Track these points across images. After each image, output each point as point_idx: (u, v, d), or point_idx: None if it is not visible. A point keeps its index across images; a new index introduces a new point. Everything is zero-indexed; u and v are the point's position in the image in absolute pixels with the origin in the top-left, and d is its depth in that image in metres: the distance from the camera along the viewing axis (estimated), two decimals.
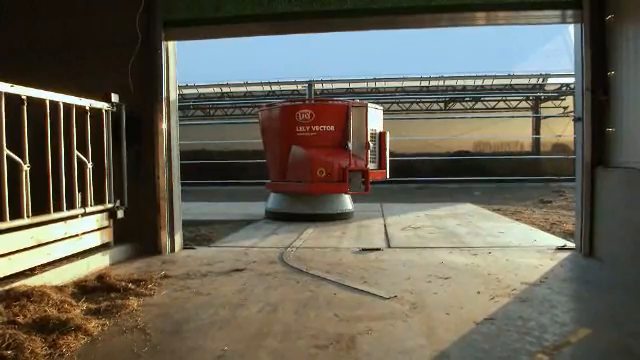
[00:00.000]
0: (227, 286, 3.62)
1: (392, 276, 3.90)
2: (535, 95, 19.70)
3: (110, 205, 4.51)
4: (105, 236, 4.44)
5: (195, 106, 20.18)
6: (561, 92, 18.90)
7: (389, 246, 5.30)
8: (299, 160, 7.40)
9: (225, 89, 19.83)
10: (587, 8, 4.42)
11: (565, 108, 18.71)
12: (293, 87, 19.05)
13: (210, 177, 17.74)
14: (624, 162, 4.09)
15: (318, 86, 18.41)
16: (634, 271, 3.69)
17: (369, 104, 7.81)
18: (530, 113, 20.02)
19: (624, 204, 3.95)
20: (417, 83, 19.01)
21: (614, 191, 4.14)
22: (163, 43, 4.84)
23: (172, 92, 4.97)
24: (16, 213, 3.32)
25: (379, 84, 19.18)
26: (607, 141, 4.39)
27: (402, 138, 16.56)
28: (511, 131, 19.36)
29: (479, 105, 20.00)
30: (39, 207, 3.59)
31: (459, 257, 4.57)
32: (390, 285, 3.58)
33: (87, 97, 4.19)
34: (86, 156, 4.20)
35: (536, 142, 19.71)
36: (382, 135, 8.05)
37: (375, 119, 7.94)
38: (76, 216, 4.04)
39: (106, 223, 4.46)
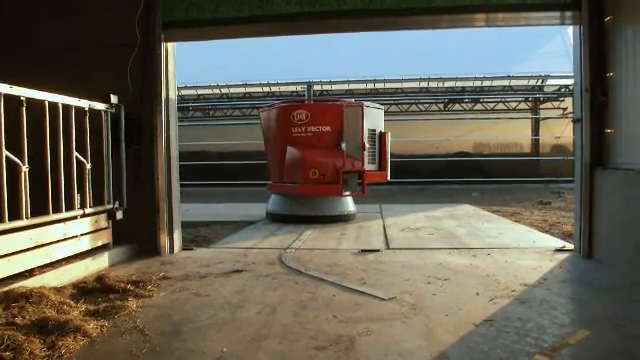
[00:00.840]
0: (226, 287, 3.62)
1: (391, 277, 3.90)
2: (534, 96, 19.73)
3: (109, 206, 4.50)
4: (104, 237, 4.44)
5: (194, 107, 20.19)
6: (560, 93, 18.93)
7: (388, 247, 5.30)
8: (293, 161, 7.33)
9: (224, 90, 19.83)
10: (586, 10, 4.43)
11: (564, 109, 18.75)
12: (292, 88, 19.07)
13: (209, 178, 17.73)
14: (623, 163, 4.09)
15: (317, 87, 18.43)
16: (633, 272, 3.69)
17: (367, 103, 7.69)
18: (529, 114, 20.05)
19: (623, 205, 3.96)
20: (416, 84, 19.03)
21: (613, 192, 4.15)
22: (162, 44, 4.83)
23: (171, 93, 4.97)
24: (15, 214, 3.31)
25: (378, 85, 19.20)
26: (606, 142, 4.40)
27: (401, 139, 16.56)
28: (510, 132, 19.39)
29: (478, 106, 20.03)
30: (38, 208, 3.58)
31: (458, 258, 4.57)
32: (389, 286, 3.58)
33: (86, 98, 4.19)
34: (85, 157, 4.19)
35: (535, 143, 19.75)
36: (383, 135, 7.90)
37: (374, 119, 7.80)
38: (75, 217, 4.03)
39: (105, 224, 4.46)
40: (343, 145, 7.15)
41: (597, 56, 4.40)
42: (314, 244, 5.53)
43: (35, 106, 3.60)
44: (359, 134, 7.34)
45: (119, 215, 4.56)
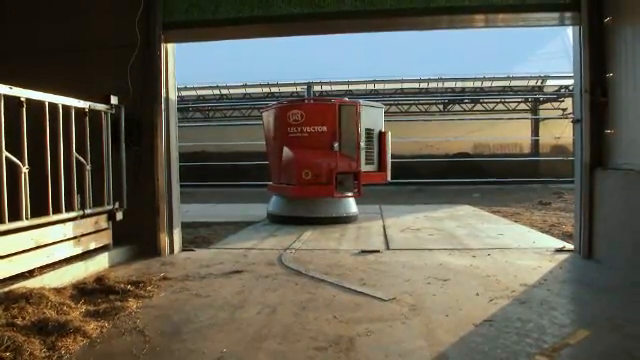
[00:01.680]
0: (226, 288, 3.62)
1: (391, 278, 3.90)
2: (534, 97, 19.72)
3: (109, 207, 4.50)
4: (104, 238, 4.44)
5: (194, 108, 20.18)
6: (560, 94, 18.93)
7: (388, 248, 5.30)
8: (287, 162, 7.26)
9: (224, 91, 19.83)
10: (585, 10, 4.43)
11: (564, 110, 18.74)
12: (292, 89, 19.06)
13: (209, 179, 17.73)
14: (623, 164, 4.09)
15: (317, 88, 18.42)
16: (633, 273, 3.69)
17: (365, 102, 7.55)
18: (529, 115, 20.04)
19: (623, 206, 3.96)
20: (416, 85, 19.02)
21: (613, 193, 4.15)
22: (162, 45, 4.84)
23: (171, 94, 4.98)
24: (15, 215, 3.31)
25: (378, 86, 19.20)
26: (606, 143, 4.40)
27: (401, 140, 16.55)
28: (510, 133, 19.37)
29: (478, 107, 20.01)
30: (38, 209, 3.58)
31: (458, 259, 4.57)
32: (389, 287, 3.58)
33: (86, 99, 4.19)
34: (85, 158, 4.19)
35: (535, 144, 19.73)
36: (382, 135, 7.73)
37: (372, 118, 7.62)
38: (75, 218, 4.03)
39: (105, 225, 4.46)
40: (336, 145, 7.01)
41: (597, 57, 4.40)
42: (314, 245, 5.53)
43: (35, 107, 3.60)
44: (354, 134, 7.19)
45: (119, 216, 4.56)
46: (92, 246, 4.25)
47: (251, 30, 5.02)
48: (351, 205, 7.65)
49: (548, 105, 19.50)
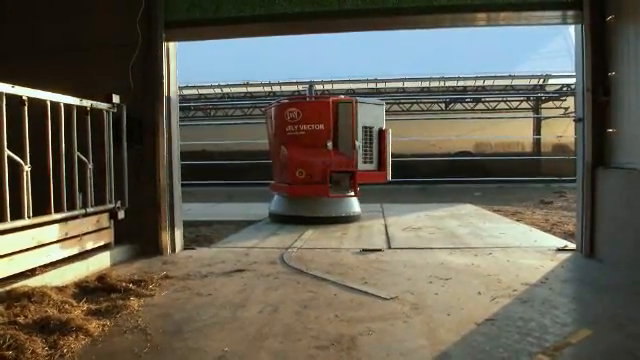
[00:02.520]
0: (228, 287, 3.62)
1: (393, 277, 3.89)
2: (536, 96, 19.68)
3: (111, 206, 4.51)
4: (106, 237, 4.44)
5: (196, 107, 20.19)
6: (562, 93, 18.88)
7: (390, 247, 5.29)
8: (283, 160, 7.21)
9: (226, 90, 19.82)
10: (587, 9, 4.42)
11: (566, 109, 18.70)
12: (294, 88, 19.04)
13: (211, 177, 17.72)
14: (625, 163, 4.08)
15: (319, 87, 18.41)
16: (635, 272, 3.69)
17: (362, 99, 7.42)
18: (531, 114, 20.01)
19: (625, 205, 3.95)
20: (418, 84, 18.99)
21: (615, 192, 4.14)
22: (164, 44, 4.84)
23: (173, 92, 4.98)
24: (17, 214, 3.32)
25: (380, 85, 19.18)
26: (608, 142, 4.39)
27: (403, 139, 16.54)
28: (512, 132, 19.35)
29: (480, 106, 19.97)
30: (40, 208, 3.59)
31: (460, 258, 4.57)
32: (391, 286, 3.58)
33: (88, 98, 4.20)
34: (87, 157, 4.20)
35: (537, 143, 19.70)
36: (382, 133, 7.51)
37: (371, 115, 7.44)
38: (77, 217, 4.04)
39: (107, 224, 4.46)
40: (329, 144, 6.90)
41: (599, 55, 4.39)
42: (315, 244, 5.53)
43: (37, 106, 3.60)
44: (352, 131, 7.04)
45: (121, 215, 4.57)
46: (94, 245, 4.26)
47: (253, 29, 5.01)
48: (354, 204, 7.53)
49: (550, 104, 19.45)
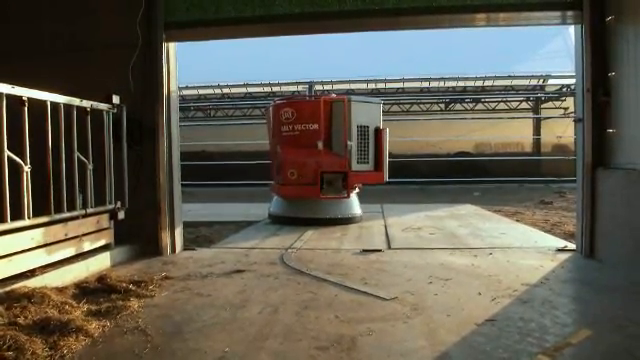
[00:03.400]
0: (228, 287, 3.62)
1: (393, 277, 3.89)
2: (536, 96, 19.72)
3: (111, 206, 4.51)
4: (106, 237, 4.44)
5: (196, 107, 20.20)
6: (562, 93, 18.93)
7: (390, 247, 5.29)
8: (278, 161, 7.15)
9: (225, 90, 19.86)
10: (587, 9, 4.42)
11: (566, 109, 18.74)
12: (294, 88, 19.08)
13: (211, 178, 17.72)
14: (625, 163, 4.09)
15: (318, 87, 18.43)
16: (635, 272, 3.69)
17: (357, 97, 7.31)
18: (531, 114, 20.04)
19: (625, 205, 3.95)
20: (417, 84, 19.03)
21: (615, 192, 4.14)
22: (164, 44, 4.84)
23: (173, 93, 4.98)
24: (17, 214, 3.32)
25: (379, 85, 19.20)
26: (608, 142, 4.39)
27: (402, 139, 16.54)
28: (512, 132, 19.37)
29: (479, 106, 20.02)
30: (40, 208, 3.59)
31: (460, 258, 4.57)
32: (391, 286, 3.58)
33: (88, 98, 4.19)
34: (87, 157, 4.20)
35: (537, 143, 19.73)
36: (379, 132, 7.27)
37: (367, 114, 7.22)
38: (77, 217, 4.04)
39: (107, 224, 4.46)
40: (319, 144, 6.77)
41: (599, 56, 4.39)
42: (315, 244, 5.53)
43: (37, 106, 3.60)
44: (342, 131, 6.89)
45: (121, 215, 4.57)
46: (94, 245, 4.25)
47: (252, 30, 5.01)
48: (354, 206, 7.43)
49: (550, 104, 19.49)
